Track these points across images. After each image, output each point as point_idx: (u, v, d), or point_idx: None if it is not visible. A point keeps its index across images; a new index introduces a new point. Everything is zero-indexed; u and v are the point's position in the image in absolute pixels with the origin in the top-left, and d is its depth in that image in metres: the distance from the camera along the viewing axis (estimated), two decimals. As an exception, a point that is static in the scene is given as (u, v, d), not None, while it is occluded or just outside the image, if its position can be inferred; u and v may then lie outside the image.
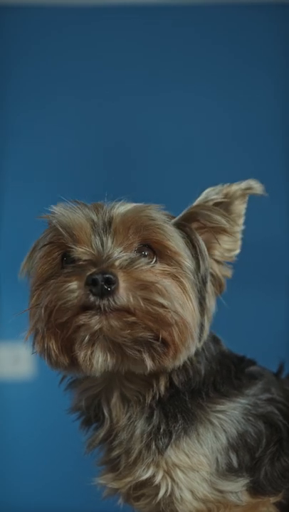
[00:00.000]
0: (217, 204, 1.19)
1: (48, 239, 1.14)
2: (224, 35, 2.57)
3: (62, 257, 1.13)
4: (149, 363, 1.08)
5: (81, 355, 1.07)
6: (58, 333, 1.07)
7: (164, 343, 1.07)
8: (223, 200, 1.20)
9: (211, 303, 1.19)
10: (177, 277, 1.11)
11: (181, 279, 1.11)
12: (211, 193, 1.20)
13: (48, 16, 2.54)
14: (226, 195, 1.20)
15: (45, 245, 1.14)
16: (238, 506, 1.15)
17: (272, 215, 2.44)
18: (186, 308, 1.10)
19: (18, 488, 2.34)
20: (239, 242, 1.23)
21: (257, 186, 1.21)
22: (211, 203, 1.19)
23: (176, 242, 1.13)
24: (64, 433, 2.38)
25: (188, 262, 1.13)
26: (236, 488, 1.15)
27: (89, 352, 1.07)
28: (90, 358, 1.07)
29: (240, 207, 1.22)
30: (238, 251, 1.23)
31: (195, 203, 1.19)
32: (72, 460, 2.37)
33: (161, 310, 1.06)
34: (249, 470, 1.17)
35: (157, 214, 1.13)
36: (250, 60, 2.57)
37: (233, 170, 2.44)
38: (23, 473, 2.36)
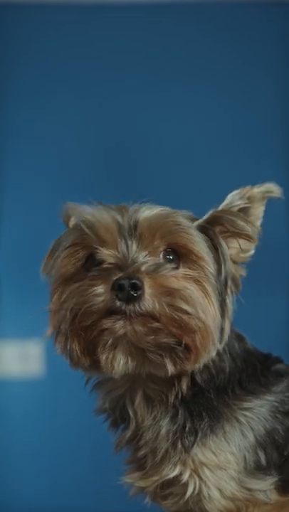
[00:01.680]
0: (241, 210, 1.19)
1: (72, 240, 1.14)
2: (224, 34, 2.58)
3: (86, 258, 1.13)
4: (170, 367, 1.08)
5: (103, 357, 1.07)
6: (82, 335, 1.07)
7: (187, 348, 1.08)
8: (247, 205, 1.20)
9: (231, 304, 1.18)
10: (200, 282, 1.11)
11: (204, 284, 1.11)
12: (235, 198, 1.20)
13: (48, 15, 2.54)
14: (248, 199, 1.20)
15: (69, 246, 1.14)
16: (266, 504, 1.14)
17: (273, 215, 2.43)
18: (208, 313, 1.10)
19: (26, 488, 2.33)
20: (255, 244, 1.22)
21: (275, 189, 1.21)
22: (235, 208, 1.19)
23: (200, 246, 1.13)
24: (73, 431, 2.39)
25: (210, 267, 1.13)
26: (265, 487, 1.14)
27: (111, 355, 1.07)
28: (111, 361, 1.07)
29: (259, 209, 1.22)
30: (252, 252, 1.23)
31: (220, 208, 1.19)
32: (82, 459, 2.38)
33: (185, 317, 1.06)
34: (277, 468, 1.16)
35: (183, 219, 1.13)
36: (251, 60, 2.58)
37: (233, 170, 2.44)
38: (32, 472, 2.35)
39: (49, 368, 2.41)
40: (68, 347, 1.09)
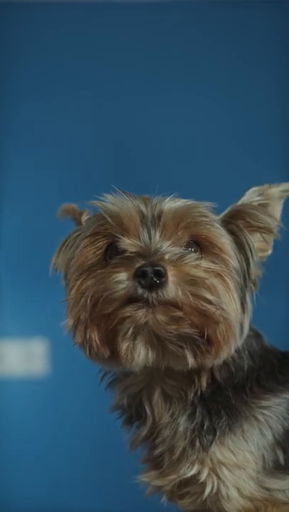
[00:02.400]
0: (260, 206, 1.19)
1: (92, 229, 1.12)
2: (224, 33, 2.57)
3: (107, 247, 1.11)
4: (190, 360, 1.06)
5: (123, 347, 1.05)
6: (102, 324, 1.05)
7: (208, 340, 1.06)
8: (265, 201, 1.20)
9: (250, 301, 1.18)
10: (221, 276, 1.09)
11: (225, 278, 1.10)
12: (254, 194, 1.20)
13: (49, 14, 2.53)
14: (266, 197, 1.20)
15: (89, 235, 1.12)
16: (286, 504, 1.13)
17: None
18: (230, 307, 1.08)
19: (29, 487, 2.32)
20: (272, 243, 1.22)
21: None
22: (255, 203, 1.19)
23: (224, 240, 1.12)
24: (76, 430, 2.38)
25: (233, 262, 1.12)
26: (284, 486, 1.13)
27: (131, 345, 1.05)
28: (131, 351, 1.05)
29: (277, 208, 1.22)
30: (270, 251, 1.22)
31: (240, 203, 1.19)
32: (85, 458, 2.36)
33: (210, 306, 1.04)
34: None
35: (208, 211, 1.12)
36: (251, 59, 2.57)
37: (233, 169, 2.43)
38: (35, 472, 2.34)
39: (53, 366, 2.41)
40: (87, 336, 1.06)
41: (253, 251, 1.16)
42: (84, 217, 1.25)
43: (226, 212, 1.18)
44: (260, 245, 1.21)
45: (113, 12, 2.57)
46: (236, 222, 1.17)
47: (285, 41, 2.61)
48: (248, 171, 2.37)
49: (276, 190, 1.21)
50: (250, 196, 1.20)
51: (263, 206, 1.20)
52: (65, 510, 2.34)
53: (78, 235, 1.19)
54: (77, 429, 2.37)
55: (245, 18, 2.58)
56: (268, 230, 1.18)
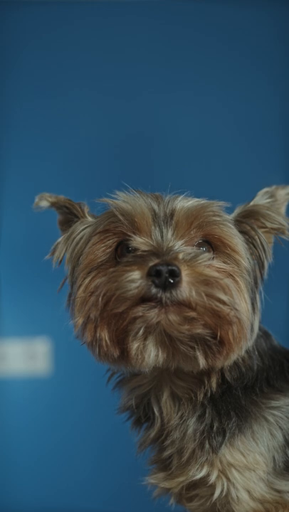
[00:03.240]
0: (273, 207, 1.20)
1: (103, 226, 1.10)
2: (226, 32, 2.55)
3: (117, 245, 1.09)
4: (201, 361, 1.04)
5: (134, 347, 1.02)
6: (112, 323, 1.03)
7: (221, 341, 1.04)
8: (274, 203, 1.20)
9: (260, 301, 1.17)
10: (233, 276, 1.08)
11: (237, 279, 1.08)
12: (266, 195, 1.20)
13: (52, 9, 2.50)
14: (275, 198, 1.21)
15: (99, 232, 1.10)
16: (296, 506, 1.11)
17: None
18: (243, 308, 1.07)
19: (32, 488, 2.30)
20: (272, 245, 1.21)
21: None
22: (268, 205, 1.19)
23: (237, 240, 1.11)
24: (79, 430, 2.37)
25: (245, 262, 1.11)
26: None
27: (142, 345, 1.02)
28: (142, 352, 1.03)
29: (281, 209, 1.22)
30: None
31: (252, 203, 1.18)
32: (89, 459, 2.35)
33: (224, 307, 1.02)
34: None
35: (222, 211, 1.11)
36: (252, 59, 2.55)
37: (235, 168, 2.42)
38: (37, 473, 2.33)
39: (55, 366, 2.39)
40: (97, 336, 1.04)
41: (267, 251, 1.16)
42: (86, 210, 1.22)
43: (238, 211, 1.17)
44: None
45: (117, 9, 2.55)
46: (250, 222, 1.16)
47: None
48: (249, 169, 2.37)
49: (283, 192, 1.21)
50: (262, 197, 1.20)
51: (275, 207, 1.19)
52: (66, 510, 2.33)
53: (84, 230, 1.17)
54: (80, 429, 2.35)
55: (246, 17, 2.55)
56: (281, 231, 1.18)
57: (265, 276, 1.19)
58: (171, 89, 2.49)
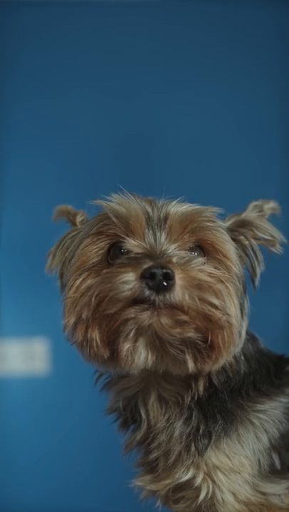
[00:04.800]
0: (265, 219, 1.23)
1: (95, 228, 1.11)
2: (225, 32, 2.54)
3: (109, 247, 1.10)
4: (190, 365, 1.05)
5: (124, 348, 1.03)
6: (104, 323, 1.03)
7: (211, 345, 1.05)
8: (262, 215, 1.23)
9: (248, 307, 1.18)
10: (223, 282, 1.09)
11: (227, 284, 1.09)
12: (256, 209, 1.23)
13: (58, 9, 2.50)
14: (263, 212, 1.24)
15: (92, 234, 1.11)
16: (281, 509, 1.13)
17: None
18: (233, 313, 1.07)
19: (31, 489, 2.31)
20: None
21: (277, 208, 1.26)
22: (265, 215, 1.23)
23: (229, 246, 1.12)
24: (78, 431, 2.37)
25: (236, 268, 1.12)
26: (279, 490, 1.13)
27: (132, 346, 1.03)
28: (132, 353, 1.04)
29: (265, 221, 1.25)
30: None
31: (244, 214, 1.21)
32: (87, 459, 2.36)
33: (216, 312, 1.03)
34: None
35: (215, 217, 1.13)
36: (253, 58, 2.55)
37: (235, 169, 2.42)
38: (36, 473, 2.34)
39: (54, 366, 2.40)
40: (88, 336, 1.05)
41: (260, 260, 1.19)
42: (78, 219, 1.24)
43: (232, 221, 1.20)
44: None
45: (117, 9, 2.55)
46: (243, 231, 1.19)
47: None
48: (249, 169, 2.37)
49: (267, 206, 1.24)
50: (252, 210, 1.22)
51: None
52: (66, 510, 2.33)
53: (75, 235, 1.19)
54: (79, 429, 2.36)
55: (246, 17, 2.55)
56: (271, 243, 1.20)
57: (257, 283, 1.21)
58: (171, 89, 2.49)
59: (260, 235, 1.19)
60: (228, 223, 1.18)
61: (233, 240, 1.16)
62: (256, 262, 1.18)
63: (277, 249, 1.21)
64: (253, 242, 1.18)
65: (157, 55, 2.51)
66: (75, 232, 1.20)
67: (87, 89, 2.49)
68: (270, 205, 1.24)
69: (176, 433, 1.14)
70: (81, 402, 2.26)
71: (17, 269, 2.33)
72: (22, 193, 2.46)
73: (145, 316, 1.01)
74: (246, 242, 1.17)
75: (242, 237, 1.18)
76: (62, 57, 2.50)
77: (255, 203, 1.23)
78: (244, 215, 1.21)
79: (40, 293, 2.19)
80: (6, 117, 2.47)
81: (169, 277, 1.00)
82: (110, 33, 2.51)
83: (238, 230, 1.18)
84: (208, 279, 1.05)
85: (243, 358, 1.18)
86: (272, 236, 1.20)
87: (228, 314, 1.05)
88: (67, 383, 2.29)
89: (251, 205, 1.23)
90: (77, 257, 1.12)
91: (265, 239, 1.19)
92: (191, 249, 1.10)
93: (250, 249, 1.17)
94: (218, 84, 2.49)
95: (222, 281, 1.09)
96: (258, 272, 1.17)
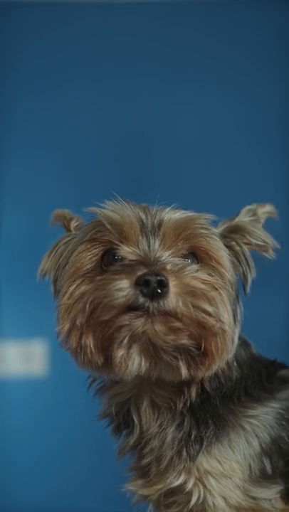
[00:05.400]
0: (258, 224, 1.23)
1: (90, 235, 1.12)
2: (225, 32, 2.54)
3: (103, 254, 1.11)
4: (184, 371, 1.06)
5: (118, 355, 1.04)
6: (98, 330, 1.04)
7: (204, 352, 1.05)
8: (255, 219, 1.23)
9: (240, 313, 1.18)
10: (217, 288, 1.09)
11: (221, 291, 1.10)
12: (249, 213, 1.23)
13: (58, 9, 2.50)
14: (257, 216, 1.24)
15: (86, 241, 1.12)
16: (272, 513, 1.13)
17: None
18: (226, 320, 1.08)
19: (26, 491, 2.31)
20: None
21: (274, 212, 1.26)
22: (259, 221, 1.23)
23: (222, 253, 1.13)
24: (76, 432, 2.38)
25: (229, 275, 1.12)
26: (270, 495, 1.13)
27: (126, 353, 1.04)
28: (126, 360, 1.04)
29: (259, 226, 1.24)
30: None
31: (237, 219, 1.22)
32: (86, 461, 2.36)
33: (210, 319, 1.04)
34: (283, 476, 1.15)
35: (209, 224, 1.13)
36: (251, 59, 2.54)
37: (235, 170, 2.42)
38: (34, 475, 2.34)
39: (52, 368, 2.40)
40: (82, 342, 1.06)
41: (251, 266, 1.19)
42: (73, 224, 1.25)
43: (224, 226, 1.20)
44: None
45: (117, 9, 2.55)
46: (235, 237, 1.19)
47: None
48: (249, 169, 2.37)
49: (261, 210, 1.24)
50: (245, 215, 1.23)
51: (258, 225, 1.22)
52: (66, 510, 2.34)
53: (68, 241, 1.20)
54: (77, 431, 2.36)
55: (246, 17, 2.55)
56: (264, 249, 1.21)
57: (249, 290, 1.21)
58: (171, 89, 2.49)
59: (253, 240, 1.20)
60: (220, 229, 1.19)
61: (226, 246, 1.16)
62: (248, 269, 1.18)
63: (270, 255, 1.21)
64: (245, 248, 1.18)
65: (157, 55, 2.50)
66: (68, 238, 1.20)
67: (87, 89, 2.49)
68: (266, 209, 1.25)
69: (169, 438, 1.14)
70: (79, 403, 2.26)
71: (16, 270, 2.33)
72: (22, 193, 2.46)
73: (139, 323, 1.01)
74: (238, 248, 1.18)
75: (234, 243, 1.18)
76: (62, 57, 2.49)
77: (249, 207, 1.23)
78: (236, 220, 1.21)
79: (38, 294, 2.20)
80: (6, 117, 2.47)
81: (163, 284, 1.01)
82: (110, 33, 2.50)
83: (230, 236, 1.19)
84: (202, 286, 1.06)
85: (235, 363, 1.19)
86: (264, 242, 1.20)
87: (221, 321, 1.05)
88: (66, 385, 2.30)
89: (244, 210, 1.23)
90: (71, 264, 1.13)
91: (257, 244, 1.20)
92: (185, 256, 1.11)
93: (242, 255, 1.18)
94: (218, 84, 2.49)
95: (216, 288, 1.09)
96: (250, 278, 1.18)
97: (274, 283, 2.44)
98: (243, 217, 1.22)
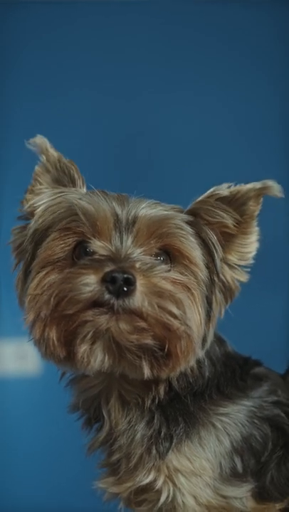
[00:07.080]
0: (221, 199, 1.14)
1: (65, 222, 1.10)
2: (225, 32, 2.53)
3: (76, 245, 1.09)
4: (146, 371, 1.05)
5: (80, 350, 1.03)
6: (62, 324, 1.03)
7: (168, 354, 1.04)
8: (229, 195, 1.14)
9: (217, 312, 1.15)
10: (189, 288, 1.08)
11: (193, 291, 1.08)
12: (216, 190, 1.16)
13: (58, 9, 2.50)
14: (236, 194, 1.15)
15: (60, 229, 1.10)
16: (242, 512, 1.11)
17: (273, 214, 2.40)
18: (194, 322, 1.07)
19: (20, 489, 2.31)
20: (254, 245, 1.19)
21: (273, 186, 1.15)
22: (214, 198, 1.14)
23: (196, 253, 1.11)
24: (71, 430, 2.37)
25: (203, 274, 1.11)
26: (241, 494, 1.12)
27: (89, 349, 1.03)
28: (88, 355, 1.03)
29: (252, 208, 1.16)
30: (253, 253, 1.19)
31: (198, 199, 1.15)
32: (80, 459, 2.35)
33: (174, 321, 1.02)
34: (254, 475, 1.14)
35: (183, 223, 1.10)
36: (251, 59, 2.53)
37: (236, 167, 2.41)
38: (30, 473, 2.34)
39: (47, 366, 2.39)
40: (45, 335, 1.05)
41: (217, 247, 1.14)
42: (51, 152, 1.23)
43: (186, 210, 1.15)
44: (243, 249, 1.19)
45: (117, 9, 2.55)
46: (196, 220, 1.14)
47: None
48: (249, 169, 2.35)
49: (251, 188, 1.15)
50: (212, 192, 1.16)
51: (234, 204, 1.15)
52: (63, 510, 2.33)
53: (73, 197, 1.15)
54: (73, 429, 2.35)
55: (246, 17, 2.54)
56: (224, 226, 1.15)
57: (221, 276, 1.16)
58: (171, 89, 2.48)
59: (211, 219, 1.14)
60: (185, 216, 1.13)
61: (195, 231, 1.12)
62: (213, 250, 1.13)
63: (240, 236, 1.16)
64: (206, 229, 1.13)
65: (157, 55, 2.50)
66: (77, 195, 1.16)
67: (87, 89, 2.48)
68: (257, 186, 1.15)
69: (138, 436, 1.13)
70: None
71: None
72: (22, 193, 2.45)
73: (103, 320, 1.00)
74: (200, 231, 1.13)
75: (197, 225, 1.13)
76: (62, 57, 2.49)
77: (216, 186, 1.16)
78: (197, 200, 1.15)
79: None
80: (6, 117, 2.47)
81: (129, 282, 1.00)
82: (110, 33, 2.50)
83: (191, 220, 1.13)
84: (170, 287, 1.04)
85: (208, 361, 1.17)
86: (221, 217, 1.13)
87: (187, 325, 1.04)
88: (60, 383, 2.29)
89: (209, 190, 1.16)
90: (43, 250, 1.11)
91: (216, 223, 1.14)
92: (157, 255, 1.09)
93: (205, 237, 1.13)
94: (218, 84, 2.48)
95: (188, 288, 1.08)
96: (217, 261, 1.13)
97: (274, 283, 2.43)
98: (204, 197, 1.15)
